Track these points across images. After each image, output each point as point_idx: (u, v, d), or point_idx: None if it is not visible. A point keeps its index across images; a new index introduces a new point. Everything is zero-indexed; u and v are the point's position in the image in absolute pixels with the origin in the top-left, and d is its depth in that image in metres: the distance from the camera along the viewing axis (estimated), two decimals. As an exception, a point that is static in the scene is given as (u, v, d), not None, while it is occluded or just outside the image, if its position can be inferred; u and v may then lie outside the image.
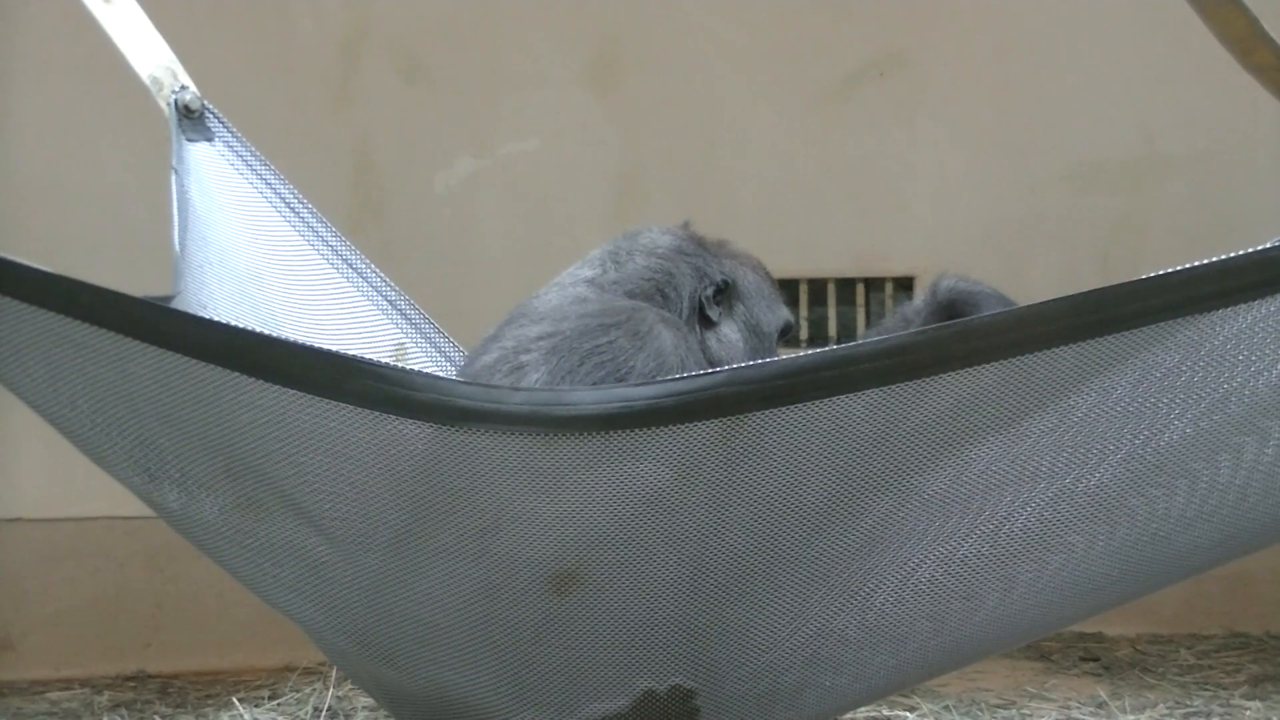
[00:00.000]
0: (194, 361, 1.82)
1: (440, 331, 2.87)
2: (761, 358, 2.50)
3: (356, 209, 4.89)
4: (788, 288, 4.96)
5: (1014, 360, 1.78)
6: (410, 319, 2.86)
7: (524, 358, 2.23)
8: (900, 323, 2.46)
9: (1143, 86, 5.03)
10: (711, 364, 2.41)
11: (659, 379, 2.02)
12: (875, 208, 5.07)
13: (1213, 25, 2.49)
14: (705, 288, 2.49)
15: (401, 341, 2.84)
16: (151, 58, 2.79)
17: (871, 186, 5.07)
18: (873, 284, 5.11)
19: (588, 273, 2.46)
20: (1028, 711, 4.00)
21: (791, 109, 5.06)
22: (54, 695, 4.47)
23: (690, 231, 2.56)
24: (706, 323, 2.49)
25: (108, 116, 4.71)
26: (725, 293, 2.52)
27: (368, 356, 1.86)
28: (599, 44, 5.03)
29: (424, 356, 2.83)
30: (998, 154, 5.05)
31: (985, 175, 5.06)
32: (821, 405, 1.77)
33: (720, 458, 1.79)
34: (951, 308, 2.40)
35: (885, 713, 3.83)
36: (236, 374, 1.81)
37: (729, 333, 2.51)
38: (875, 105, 5.07)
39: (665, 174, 5.02)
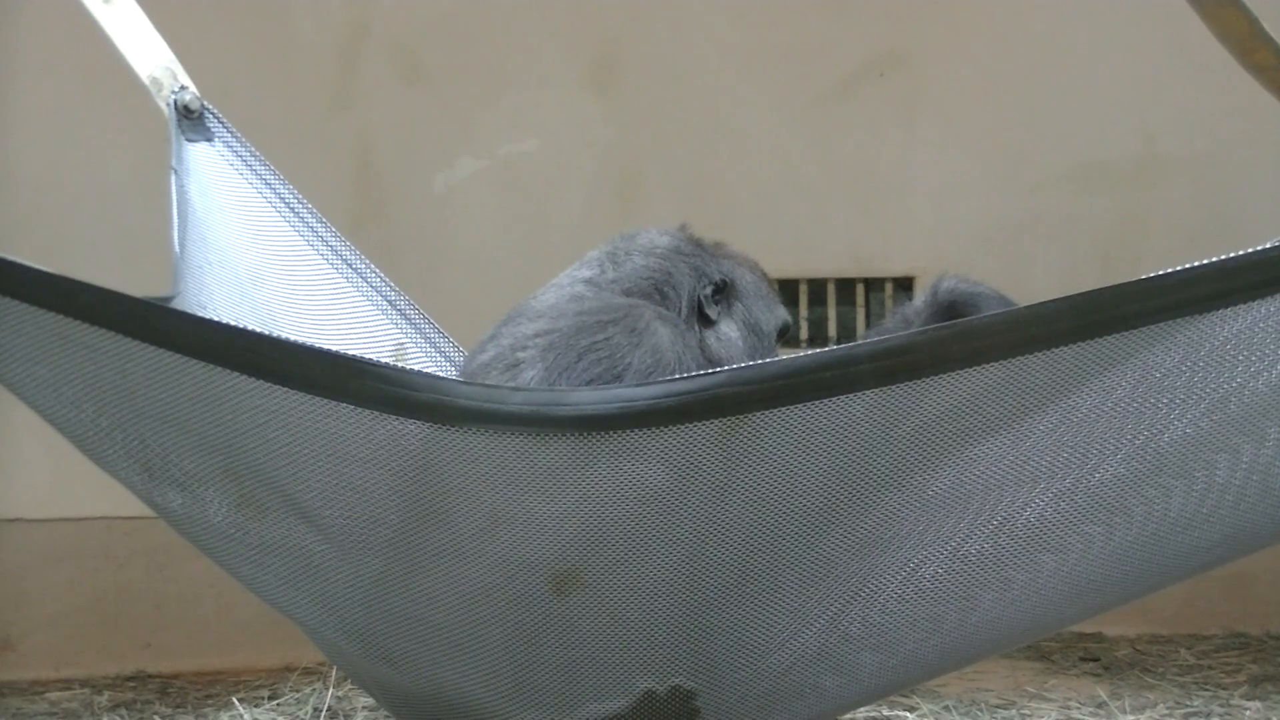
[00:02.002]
0: (194, 361, 1.82)
1: (440, 331, 2.87)
2: (761, 357, 2.50)
3: (356, 209, 4.88)
4: (787, 288, 4.97)
5: (1014, 361, 1.77)
6: (410, 319, 2.86)
7: (520, 354, 2.23)
8: (900, 323, 2.46)
9: (1143, 86, 5.03)
10: (711, 363, 2.41)
11: (659, 380, 2.02)
12: (875, 208, 5.07)
13: (1213, 25, 2.49)
14: (704, 286, 2.49)
15: (401, 341, 2.84)
16: (151, 58, 2.79)
17: (871, 186, 5.07)
18: (872, 284, 5.11)
19: (585, 273, 2.46)
20: (1028, 711, 4.00)
21: (791, 109, 5.06)
22: (54, 695, 4.46)
23: (687, 232, 2.56)
24: (705, 321, 2.49)
25: (108, 116, 4.71)
26: (724, 291, 2.52)
27: (368, 356, 1.86)
28: (599, 44, 5.03)
29: (424, 356, 2.83)
30: (998, 154, 5.05)
31: (985, 175, 5.05)
32: (822, 405, 1.77)
33: (720, 458, 1.79)
34: (952, 308, 2.40)
35: (885, 713, 3.82)
36: (236, 374, 1.82)
37: (728, 331, 2.51)
38: (875, 105, 5.06)
39: (665, 174, 5.02)
